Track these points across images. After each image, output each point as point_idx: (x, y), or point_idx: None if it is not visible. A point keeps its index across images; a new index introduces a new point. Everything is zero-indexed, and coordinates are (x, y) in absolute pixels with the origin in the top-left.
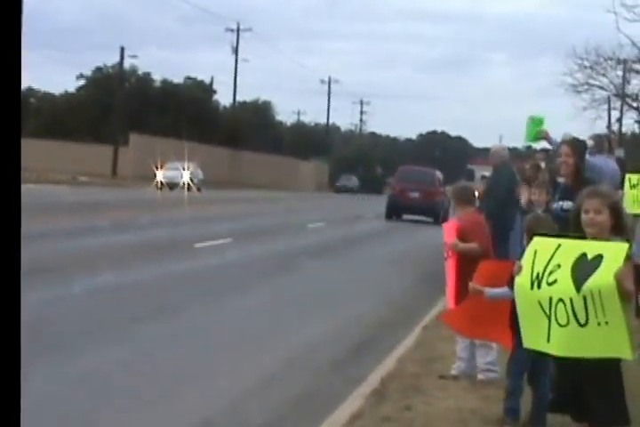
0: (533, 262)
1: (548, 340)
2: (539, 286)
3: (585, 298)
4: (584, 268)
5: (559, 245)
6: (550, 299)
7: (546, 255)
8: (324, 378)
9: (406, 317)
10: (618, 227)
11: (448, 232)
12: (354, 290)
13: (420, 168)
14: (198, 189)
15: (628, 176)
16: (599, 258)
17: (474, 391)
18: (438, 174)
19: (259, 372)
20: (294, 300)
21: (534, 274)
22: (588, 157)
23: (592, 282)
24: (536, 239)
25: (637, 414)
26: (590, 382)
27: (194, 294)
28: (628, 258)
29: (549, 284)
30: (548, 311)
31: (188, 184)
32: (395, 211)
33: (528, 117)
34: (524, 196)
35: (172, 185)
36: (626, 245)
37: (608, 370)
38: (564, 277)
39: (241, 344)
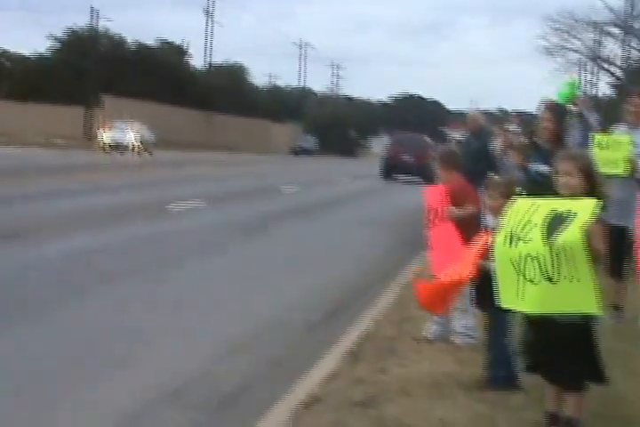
0: (510, 222)
1: (522, 297)
2: (512, 244)
3: (554, 253)
4: (555, 224)
5: (533, 204)
6: (522, 256)
7: (521, 214)
8: (300, 340)
9: (382, 278)
10: (591, 189)
11: (433, 197)
12: (330, 252)
13: (412, 134)
14: (149, 153)
15: (596, 136)
16: (570, 213)
17: (449, 355)
18: (428, 140)
19: (232, 334)
20: (270, 262)
21: (510, 232)
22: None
23: (562, 238)
24: (513, 199)
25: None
26: (561, 343)
27: (167, 256)
28: (597, 216)
29: (523, 241)
30: (519, 268)
31: (137, 146)
32: (389, 172)
33: (570, 79)
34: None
35: (118, 147)
36: (595, 202)
37: (579, 330)
38: (537, 234)
39: (213, 307)
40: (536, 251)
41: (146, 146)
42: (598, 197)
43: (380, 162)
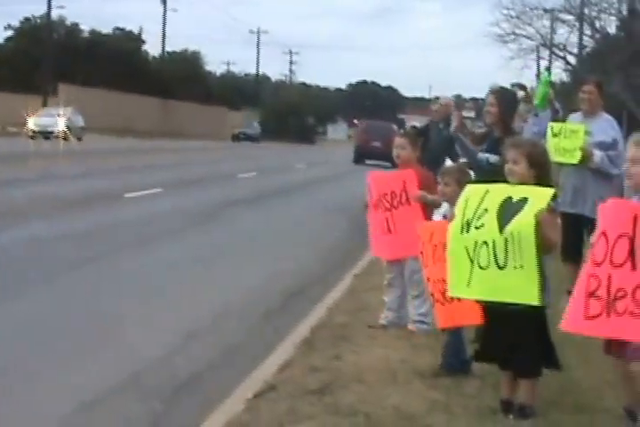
0: (465, 209)
1: (469, 284)
2: (467, 231)
3: (506, 240)
4: (509, 210)
5: (487, 191)
6: (475, 243)
7: (475, 201)
8: (255, 328)
9: (337, 266)
10: (539, 177)
11: (388, 182)
12: (286, 240)
13: (381, 122)
14: (78, 139)
15: (550, 125)
16: (524, 201)
17: (403, 341)
18: (395, 127)
19: (188, 322)
20: (226, 250)
21: (465, 220)
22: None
23: (514, 223)
24: (467, 187)
25: (570, 361)
26: (513, 329)
27: (125, 244)
28: (552, 206)
29: (477, 228)
30: (471, 255)
31: (64, 132)
32: (360, 157)
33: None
34: None
35: (45, 134)
36: (551, 191)
37: (531, 316)
38: (490, 220)
39: (170, 295)
40: (490, 237)
41: (75, 132)
42: (547, 186)
43: (354, 148)
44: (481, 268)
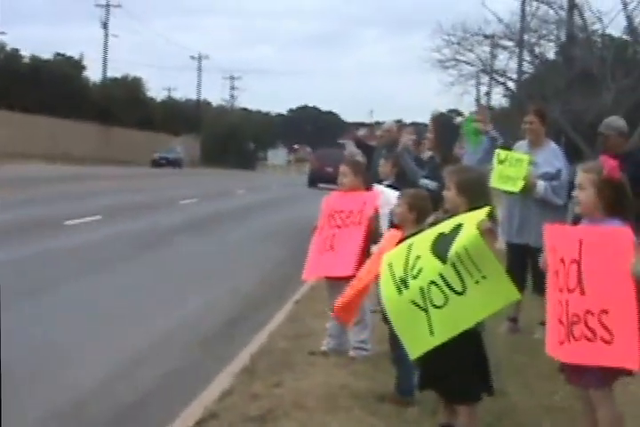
0: (392, 274)
1: (432, 333)
2: (406, 286)
3: (454, 264)
4: (444, 242)
5: (411, 244)
6: (421, 289)
7: (401, 260)
8: (195, 356)
9: (278, 292)
10: (469, 204)
11: (346, 200)
12: (227, 266)
13: (334, 150)
14: None
15: (497, 151)
16: (457, 228)
17: (343, 367)
18: (346, 154)
19: (128, 350)
20: (166, 277)
21: (397, 280)
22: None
23: (456, 245)
24: (384, 256)
25: (510, 385)
26: (451, 355)
27: (64, 272)
28: (489, 225)
29: (415, 277)
30: (422, 304)
31: None
32: (314, 181)
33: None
34: None
35: None
36: (484, 210)
37: (466, 343)
38: (428, 261)
39: (110, 322)
40: (436, 274)
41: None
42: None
43: (309, 173)
44: (439, 308)
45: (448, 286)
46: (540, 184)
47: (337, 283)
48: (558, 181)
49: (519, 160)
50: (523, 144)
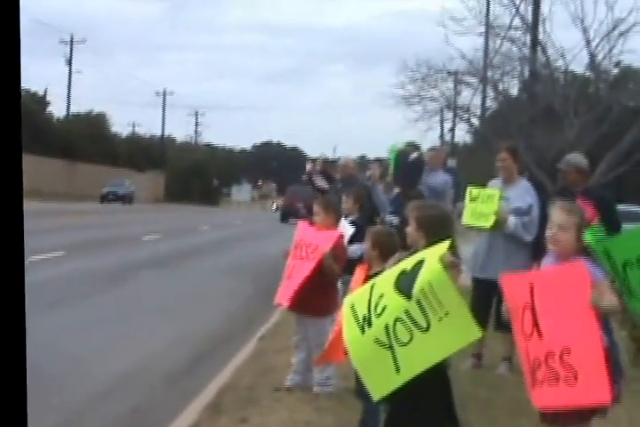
0: (355, 315)
1: (398, 371)
2: (370, 325)
3: (419, 300)
4: (407, 279)
5: (373, 284)
6: (386, 327)
7: (364, 300)
8: (160, 392)
9: (243, 328)
10: (428, 238)
11: (318, 237)
12: (191, 302)
13: (304, 187)
14: None
15: (469, 189)
16: (419, 264)
17: (308, 403)
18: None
19: (93, 386)
20: (130, 313)
21: (360, 320)
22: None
23: (421, 280)
24: (346, 299)
25: (471, 420)
26: (412, 394)
27: (30, 308)
28: (452, 259)
29: (379, 315)
30: (387, 341)
31: None
32: (286, 216)
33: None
34: None
35: None
36: (445, 244)
37: (431, 378)
38: (392, 299)
39: (73, 358)
40: (401, 311)
41: None
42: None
43: (281, 208)
44: (404, 345)
45: (413, 322)
46: (511, 220)
47: (305, 318)
48: (529, 217)
49: (491, 196)
50: (496, 182)
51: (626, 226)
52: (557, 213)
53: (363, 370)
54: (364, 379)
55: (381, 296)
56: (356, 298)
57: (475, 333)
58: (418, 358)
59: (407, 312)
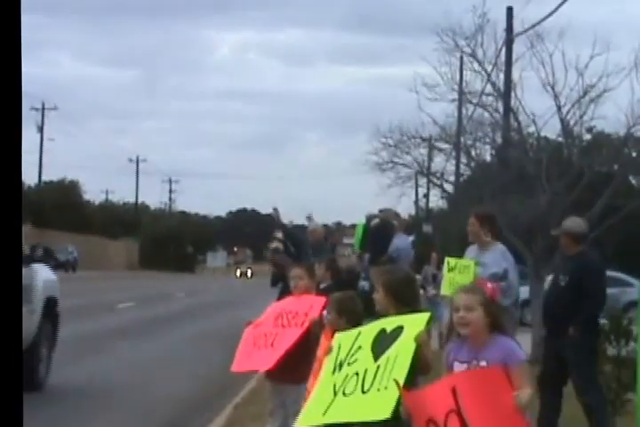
0: (338, 354)
1: (325, 413)
2: (340, 370)
3: (379, 366)
4: (383, 341)
5: (359, 333)
6: (346, 376)
7: (348, 344)
8: None
9: (218, 395)
10: (395, 304)
11: (302, 303)
12: (165, 369)
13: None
14: None
15: (447, 259)
16: (399, 329)
17: None
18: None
19: None
20: (104, 380)
21: (337, 362)
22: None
23: (391, 350)
24: (337, 335)
25: None
26: None
27: None
28: (428, 330)
29: (350, 364)
30: (337, 388)
31: None
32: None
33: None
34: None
35: None
36: (425, 316)
37: None
38: (365, 355)
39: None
40: (363, 367)
41: None
42: (410, 313)
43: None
44: (344, 395)
45: (363, 381)
46: (488, 286)
47: (283, 385)
48: (506, 282)
49: (467, 266)
50: (473, 248)
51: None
52: (460, 297)
53: (312, 398)
54: (307, 404)
55: (359, 348)
56: (344, 339)
57: (383, 413)
58: (340, 411)
59: (365, 371)
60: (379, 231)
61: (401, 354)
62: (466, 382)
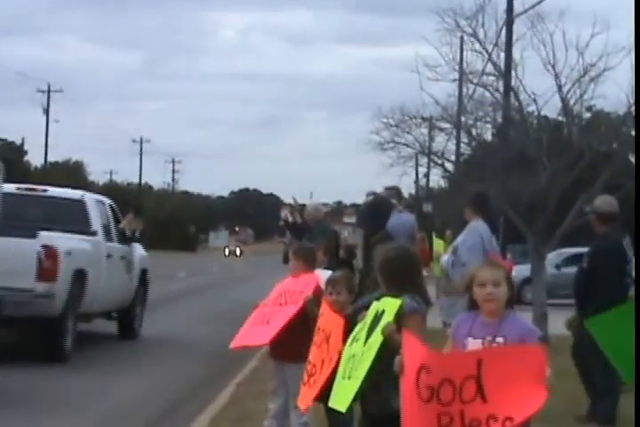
0: (364, 323)
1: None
2: (351, 344)
3: (363, 352)
4: (375, 323)
5: (374, 306)
6: (349, 355)
7: (370, 317)
8: None
9: (221, 374)
10: (388, 283)
11: (297, 283)
12: (168, 348)
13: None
14: None
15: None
16: (383, 313)
17: None
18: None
19: None
20: (108, 358)
21: (353, 334)
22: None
23: (372, 338)
24: (376, 303)
25: None
26: None
27: None
28: (406, 311)
29: (356, 340)
30: (344, 367)
31: None
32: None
33: None
34: None
35: None
36: (398, 301)
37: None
38: (363, 334)
39: (47, 405)
40: (360, 350)
41: None
42: (405, 289)
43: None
44: (343, 379)
45: (353, 366)
46: (444, 258)
47: (284, 364)
48: (456, 256)
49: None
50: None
51: None
52: (486, 271)
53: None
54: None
55: (365, 324)
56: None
57: (343, 406)
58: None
59: (356, 355)
60: (370, 209)
61: (370, 348)
62: (501, 357)
